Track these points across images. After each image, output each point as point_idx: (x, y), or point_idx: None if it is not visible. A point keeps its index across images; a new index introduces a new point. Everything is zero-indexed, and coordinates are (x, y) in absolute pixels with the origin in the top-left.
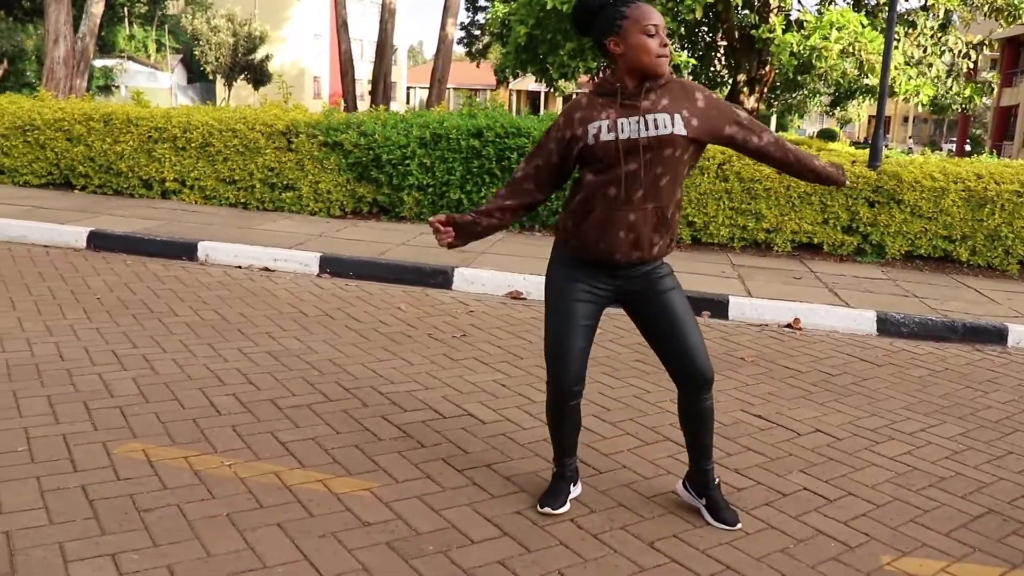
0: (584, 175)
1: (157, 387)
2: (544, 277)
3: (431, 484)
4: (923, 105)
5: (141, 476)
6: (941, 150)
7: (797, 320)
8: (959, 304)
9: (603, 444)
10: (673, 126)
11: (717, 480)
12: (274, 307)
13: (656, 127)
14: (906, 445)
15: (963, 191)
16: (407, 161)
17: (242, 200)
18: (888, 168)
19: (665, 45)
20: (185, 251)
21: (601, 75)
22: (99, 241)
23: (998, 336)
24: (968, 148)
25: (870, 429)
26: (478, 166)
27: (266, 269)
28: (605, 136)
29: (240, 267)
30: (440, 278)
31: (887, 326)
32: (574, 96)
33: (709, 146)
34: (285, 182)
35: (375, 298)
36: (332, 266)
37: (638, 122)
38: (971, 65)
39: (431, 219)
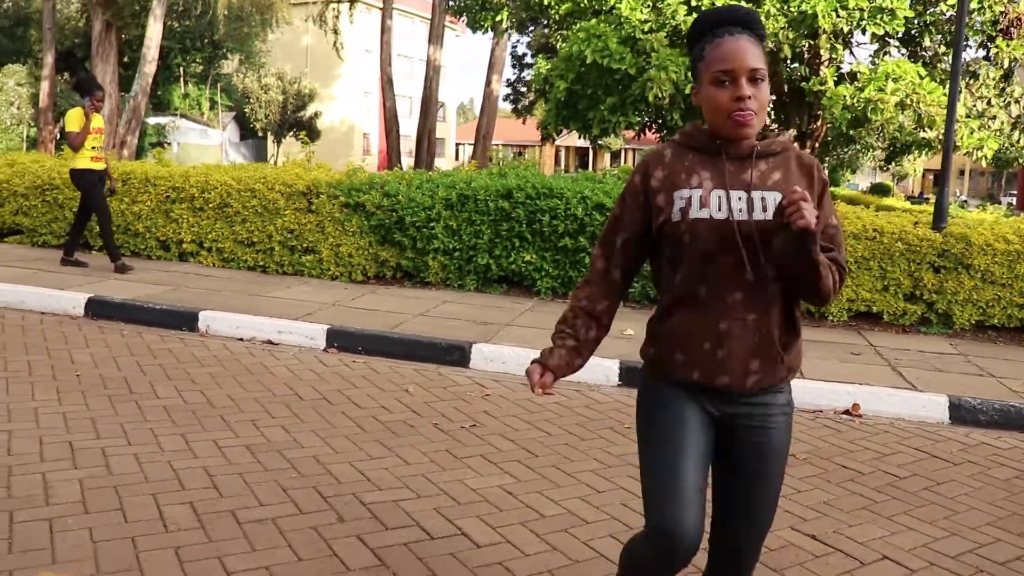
0: (665, 266)
1: (104, 492)
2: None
3: None
4: (987, 159)
5: None
6: (1000, 203)
7: (856, 406)
8: None
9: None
10: None
11: None
12: (268, 388)
13: (764, 209)
14: None
15: None
16: (432, 224)
17: (261, 263)
18: (955, 230)
19: (742, 99)
20: (185, 321)
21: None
22: (97, 308)
23: None
24: None
25: (951, 556)
26: (507, 229)
27: (269, 342)
28: (696, 212)
29: (241, 339)
30: (456, 355)
31: (961, 413)
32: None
33: None
34: (305, 244)
35: (381, 378)
36: (340, 340)
37: (739, 199)
38: None
39: (538, 389)
